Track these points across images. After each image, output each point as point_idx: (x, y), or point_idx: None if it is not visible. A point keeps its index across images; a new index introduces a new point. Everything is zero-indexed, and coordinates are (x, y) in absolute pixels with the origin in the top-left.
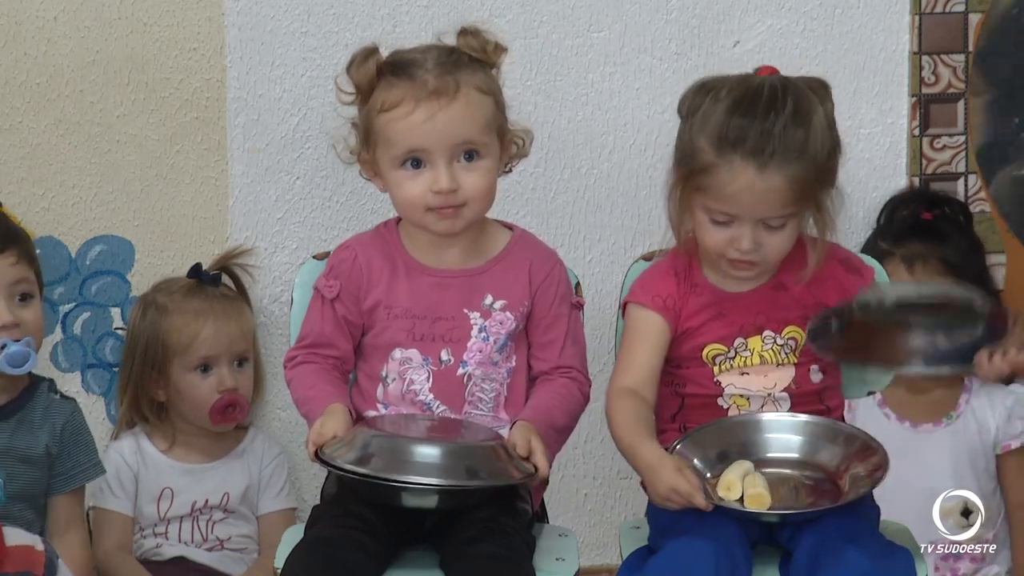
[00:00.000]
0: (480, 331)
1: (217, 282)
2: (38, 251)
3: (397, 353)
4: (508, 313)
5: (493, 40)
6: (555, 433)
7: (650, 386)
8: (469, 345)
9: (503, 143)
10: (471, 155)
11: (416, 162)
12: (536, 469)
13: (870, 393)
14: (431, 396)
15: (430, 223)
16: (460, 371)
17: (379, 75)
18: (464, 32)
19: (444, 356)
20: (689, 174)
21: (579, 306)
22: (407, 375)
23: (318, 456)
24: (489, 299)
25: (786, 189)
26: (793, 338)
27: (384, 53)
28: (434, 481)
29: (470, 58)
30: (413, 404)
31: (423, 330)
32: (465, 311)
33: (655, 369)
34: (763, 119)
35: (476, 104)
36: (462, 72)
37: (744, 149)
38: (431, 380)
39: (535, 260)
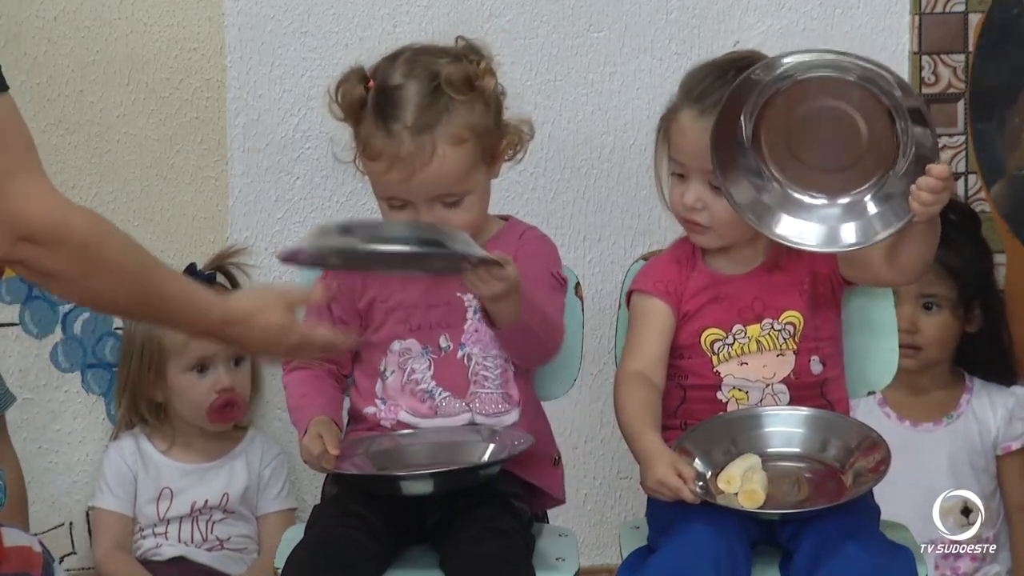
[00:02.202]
0: (475, 312)
1: (212, 282)
2: None
3: (396, 345)
4: None
5: (484, 66)
6: (535, 312)
7: (658, 369)
8: (466, 327)
9: (494, 159)
10: (452, 200)
11: (398, 201)
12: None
13: (870, 393)
14: (433, 384)
15: None
16: (460, 354)
17: (362, 106)
18: (451, 62)
19: (443, 343)
20: (662, 121)
21: (560, 281)
22: (407, 365)
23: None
24: None
25: None
26: (791, 323)
27: (385, 50)
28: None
29: (451, 97)
30: (413, 394)
31: (419, 319)
32: (459, 294)
33: (662, 354)
34: (723, 75)
35: (452, 159)
36: (439, 125)
37: (694, 95)
38: (432, 368)
39: (525, 234)
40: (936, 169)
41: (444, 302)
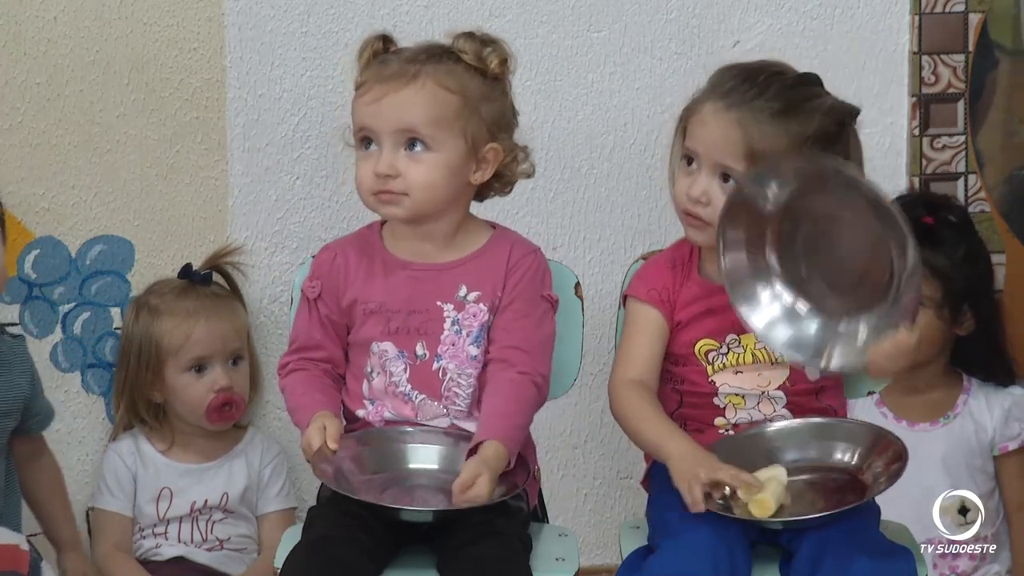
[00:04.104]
0: (453, 323)
1: (208, 281)
2: (38, 251)
3: (375, 347)
4: (481, 305)
5: (498, 53)
6: (521, 436)
7: (652, 377)
8: (442, 338)
9: (476, 150)
10: (415, 144)
11: (368, 142)
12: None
13: (870, 393)
14: (409, 387)
15: (376, 207)
16: (435, 365)
17: (375, 57)
18: (465, 35)
19: (419, 351)
20: (682, 115)
21: (551, 301)
22: (387, 367)
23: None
24: (463, 290)
25: (741, 139)
26: None
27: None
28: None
29: (458, 59)
30: (395, 396)
31: (397, 324)
32: (438, 303)
33: (657, 362)
34: (754, 79)
35: (430, 96)
36: (432, 65)
37: (722, 90)
38: (408, 372)
39: (513, 248)
40: (902, 336)
41: (423, 309)
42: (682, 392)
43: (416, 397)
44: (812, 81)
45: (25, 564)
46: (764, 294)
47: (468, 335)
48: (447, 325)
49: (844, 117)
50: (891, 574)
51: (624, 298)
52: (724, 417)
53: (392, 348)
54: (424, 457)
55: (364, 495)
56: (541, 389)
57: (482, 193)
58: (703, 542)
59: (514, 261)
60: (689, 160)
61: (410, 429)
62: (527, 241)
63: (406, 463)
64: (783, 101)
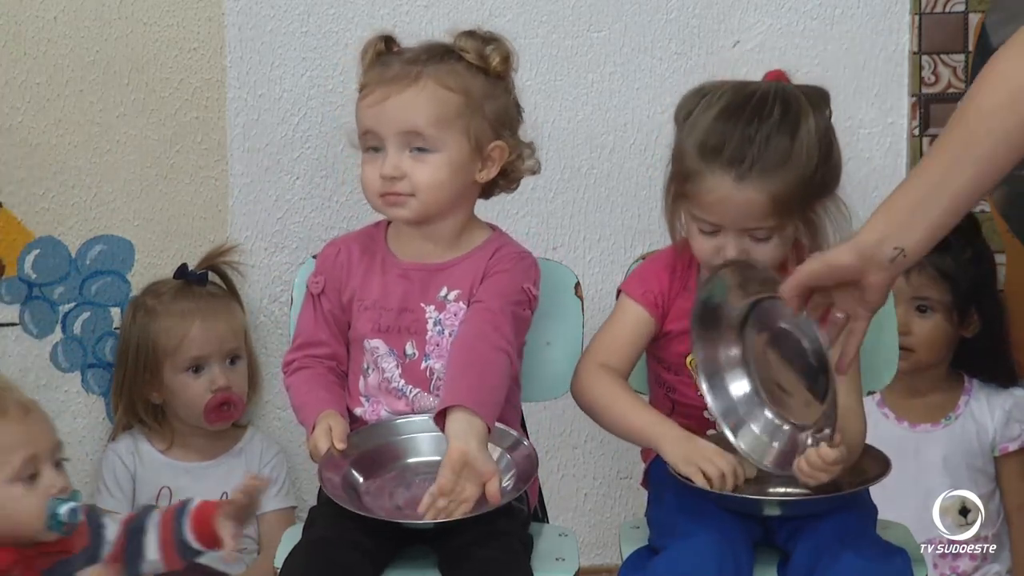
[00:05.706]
0: (435, 324)
1: (204, 281)
2: (38, 251)
3: (367, 344)
4: (461, 303)
5: (500, 51)
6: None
7: (625, 370)
8: (428, 338)
9: (481, 148)
10: (420, 146)
11: (374, 146)
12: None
13: (870, 393)
14: (403, 382)
15: (383, 209)
16: (423, 364)
17: (377, 57)
18: (467, 33)
19: (409, 350)
20: (676, 178)
21: (530, 295)
22: (379, 363)
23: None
24: (444, 291)
25: (766, 201)
26: None
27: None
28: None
29: (460, 58)
30: (389, 392)
31: (388, 321)
32: (422, 304)
33: (631, 359)
34: (746, 127)
35: (431, 97)
36: (433, 65)
37: (723, 158)
38: (400, 368)
39: (501, 248)
40: (824, 451)
41: (412, 308)
42: (674, 400)
43: (410, 392)
44: (786, 91)
45: (84, 536)
46: (731, 383)
47: (450, 334)
48: (430, 326)
49: (820, 103)
50: (887, 574)
51: (618, 292)
52: (715, 430)
53: (382, 345)
54: (427, 448)
55: (370, 504)
56: (511, 357)
57: (488, 191)
58: (709, 543)
59: (497, 257)
60: (708, 228)
61: (408, 420)
62: (520, 245)
63: (409, 458)
64: (784, 137)
